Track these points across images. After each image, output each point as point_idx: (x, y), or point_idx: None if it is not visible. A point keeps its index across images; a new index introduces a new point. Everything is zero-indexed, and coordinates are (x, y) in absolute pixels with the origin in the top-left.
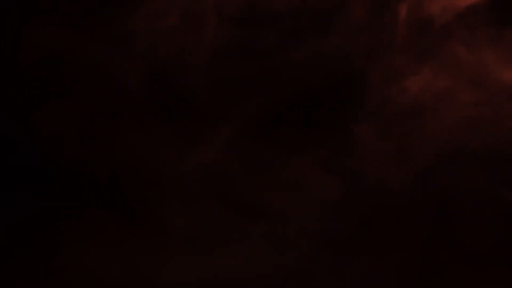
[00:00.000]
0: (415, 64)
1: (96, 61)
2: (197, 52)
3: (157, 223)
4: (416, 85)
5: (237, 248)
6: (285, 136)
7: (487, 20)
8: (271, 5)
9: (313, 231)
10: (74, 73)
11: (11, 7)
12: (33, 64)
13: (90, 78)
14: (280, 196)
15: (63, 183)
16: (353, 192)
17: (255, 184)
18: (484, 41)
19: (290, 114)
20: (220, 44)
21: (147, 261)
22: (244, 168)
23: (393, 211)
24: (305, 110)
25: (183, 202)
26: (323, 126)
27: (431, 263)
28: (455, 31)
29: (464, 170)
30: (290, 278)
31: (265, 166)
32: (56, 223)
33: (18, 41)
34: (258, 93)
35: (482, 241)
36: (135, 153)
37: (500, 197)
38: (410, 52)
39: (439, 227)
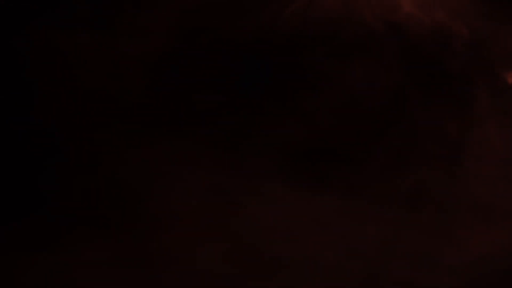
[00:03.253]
0: None
1: (98, 60)
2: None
3: (157, 225)
4: None
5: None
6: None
7: None
8: None
9: None
10: (74, 73)
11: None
12: (35, 64)
13: (90, 79)
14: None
15: (63, 183)
16: None
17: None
18: None
19: None
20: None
21: (147, 261)
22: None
23: None
24: None
25: (183, 204)
26: None
27: None
28: None
29: None
30: None
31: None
32: (56, 224)
33: (22, 39)
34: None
35: None
36: (135, 154)
37: None
38: None
39: None
